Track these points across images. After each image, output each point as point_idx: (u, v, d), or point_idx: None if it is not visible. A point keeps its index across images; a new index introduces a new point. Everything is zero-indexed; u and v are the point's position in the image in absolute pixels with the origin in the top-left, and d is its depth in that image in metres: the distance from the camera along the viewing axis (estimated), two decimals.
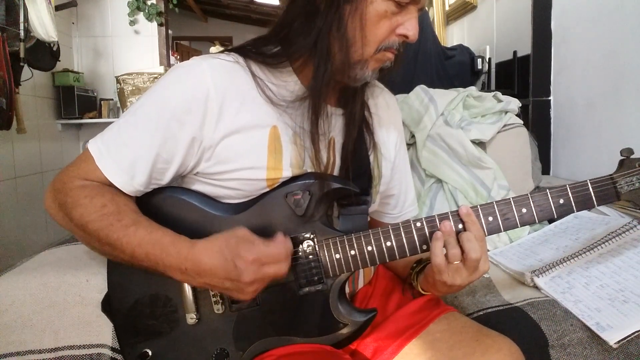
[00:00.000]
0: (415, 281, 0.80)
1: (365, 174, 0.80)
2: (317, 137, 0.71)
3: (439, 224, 0.69)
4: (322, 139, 0.73)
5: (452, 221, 0.69)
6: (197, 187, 0.75)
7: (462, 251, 0.66)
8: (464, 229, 0.69)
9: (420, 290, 0.79)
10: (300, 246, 0.71)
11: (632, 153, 0.72)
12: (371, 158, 0.82)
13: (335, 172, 0.76)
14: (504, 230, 0.71)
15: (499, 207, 0.70)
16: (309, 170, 0.73)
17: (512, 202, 0.70)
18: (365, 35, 0.66)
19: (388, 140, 0.87)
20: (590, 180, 0.71)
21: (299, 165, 0.72)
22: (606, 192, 0.71)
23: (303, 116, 0.71)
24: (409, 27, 0.67)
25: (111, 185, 0.68)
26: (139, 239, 0.63)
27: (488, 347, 0.71)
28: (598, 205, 0.71)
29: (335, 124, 0.77)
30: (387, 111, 0.89)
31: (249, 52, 0.73)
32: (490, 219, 0.70)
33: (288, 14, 0.72)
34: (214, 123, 0.67)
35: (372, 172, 0.82)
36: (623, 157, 0.73)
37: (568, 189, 0.70)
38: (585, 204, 0.70)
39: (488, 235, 0.71)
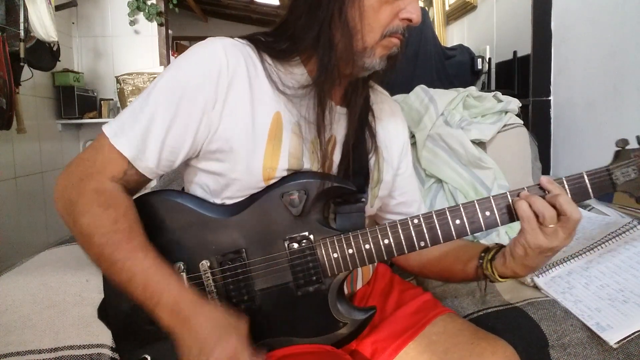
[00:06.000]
0: (489, 270, 0.75)
1: (362, 173, 0.79)
2: (322, 128, 0.71)
3: (511, 200, 0.69)
4: (325, 131, 0.73)
5: (527, 191, 0.69)
6: (197, 177, 0.74)
7: (558, 214, 0.65)
8: (551, 195, 0.67)
9: (498, 278, 0.74)
10: (298, 246, 0.71)
11: (628, 144, 0.72)
12: (372, 161, 0.81)
13: (333, 170, 0.76)
14: (502, 225, 0.70)
15: (495, 201, 0.70)
16: (305, 162, 0.73)
17: (508, 195, 0.70)
18: (369, 22, 0.67)
19: (391, 146, 0.87)
20: (586, 171, 0.70)
21: (297, 155, 0.72)
22: (602, 183, 0.70)
23: (307, 107, 0.72)
24: (412, 10, 0.68)
25: (127, 171, 0.68)
26: (144, 267, 0.63)
27: (483, 350, 0.71)
28: (594, 196, 0.70)
29: (337, 123, 0.77)
30: (391, 118, 0.89)
31: (260, 43, 0.74)
32: (488, 213, 0.70)
33: (293, 11, 0.72)
34: (223, 97, 0.68)
35: (372, 175, 0.81)
36: (618, 148, 0.72)
37: (564, 180, 0.70)
38: (582, 195, 0.70)
39: (486, 229, 0.71)
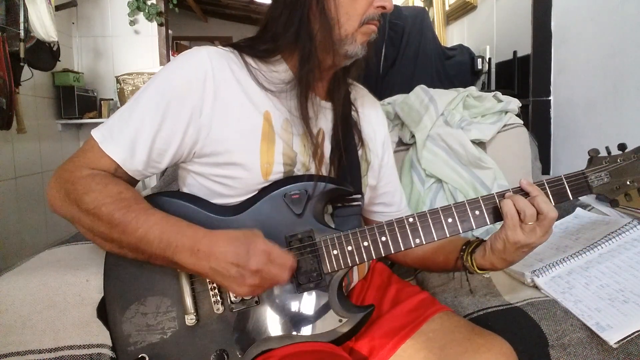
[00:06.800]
0: (469, 261, 0.80)
1: (355, 167, 0.83)
2: (307, 118, 0.75)
3: (497, 200, 0.74)
4: (312, 123, 0.76)
5: (511, 192, 0.75)
6: (194, 180, 0.76)
7: (538, 213, 0.71)
8: (530, 197, 0.73)
9: (477, 269, 0.79)
10: (299, 243, 0.73)
11: (599, 153, 0.79)
12: (359, 152, 0.85)
13: (325, 163, 0.80)
14: (490, 223, 0.75)
15: (484, 201, 0.75)
16: (299, 155, 0.76)
17: (495, 196, 0.75)
18: (346, 12, 0.72)
19: (375, 137, 0.91)
20: (564, 175, 0.77)
21: (289, 150, 0.75)
22: (579, 186, 0.77)
23: (293, 101, 0.76)
24: None
25: (116, 170, 0.70)
26: (156, 219, 0.65)
27: (479, 346, 0.72)
28: (573, 197, 0.77)
29: (324, 117, 0.81)
30: (372, 111, 0.93)
31: (243, 47, 0.78)
32: (477, 212, 0.75)
33: (272, 12, 0.77)
34: (211, 103, 0.70)
35: (361, 165, 0.85)
36: (591, 156, 0.80)
37: (545, 183, 0.76)
38: (561, 196, 0.76)
39: (476, 228, 0.75)
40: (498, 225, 0.75)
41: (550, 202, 0.74)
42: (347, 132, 0.83)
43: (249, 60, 0.76)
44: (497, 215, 0.75)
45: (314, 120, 0.77)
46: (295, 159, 0.76)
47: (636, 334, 0.77)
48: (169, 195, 0.75)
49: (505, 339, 0.75)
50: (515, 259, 0.75)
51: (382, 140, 0.93)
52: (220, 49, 0.75)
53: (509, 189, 0.75)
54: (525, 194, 0.73)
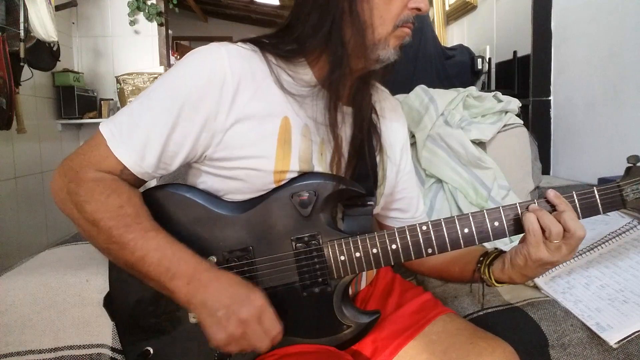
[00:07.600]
0: (486, 274, 0.76)
1: (371, 174, 0.79)
2: (335, 129, 0.71)
3: (520, 212, 0.69)
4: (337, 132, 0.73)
5: (537, 204, 0.69)
6: (203, 179, 0.74)
7: (564, 230, 0.66)
8: (557, 211, 0.68)
9: (494, 282, 0.76)
10: (305, 247, 0.70)
11: (639, 160, 0.71)
12: (377, 159, 0.82)
13: (342, 172, 0.76)
14: (509, 235, 0.70)
15: (504, 212, 0.70)
16: (315, 165, 0.73)
17: (517, 206, 0.70)
18: (380, 15, 0.68)
19: (395, 143, 0.87)
20: (596, 187, 0.70)
21: (307, 159, 0.72)
22: (612, 199, 0.70)
23: (315, 108, 0.72)
24: (419, 0, 0.69)
25: (122, 170, 0.67)
26: (157, 244, 0.63)
27: (482, 350, 0.71)
28: (604, 212, 0.70)
29: (344, 123, 0.77)
30: (394, 115, 0.89)
31: (265, 44, 0.73)
32: (496, 223, 0.70)
33: (299, 11, 0.72)
34: (227, 108, 0.67)
35: (378, 174, 0.81)
36: (630, 165, 0.71)
37: (574, 195, 0.69)
38: (591, 210, 0.70)
39: (494, 239, 0.71)
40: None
41: (579, 216, 0.68)
42: (366, 139, 0.79)
43: (272, 59, 0.71)
44: (519, 227, 0.69)
45: (338, 129, 0.73)
46: (312, 167, 0.72)
47: (636, 334, 0.77)
48: (174, 188, 0.73)
49: (505, 339, 0.75)
50: (536, 274, 0.71)
51: (401, 146, 0.89)
52: (241, 48, 0.70)
53: (533, 200, 0.69)
54: (551, 206, 0.68)
